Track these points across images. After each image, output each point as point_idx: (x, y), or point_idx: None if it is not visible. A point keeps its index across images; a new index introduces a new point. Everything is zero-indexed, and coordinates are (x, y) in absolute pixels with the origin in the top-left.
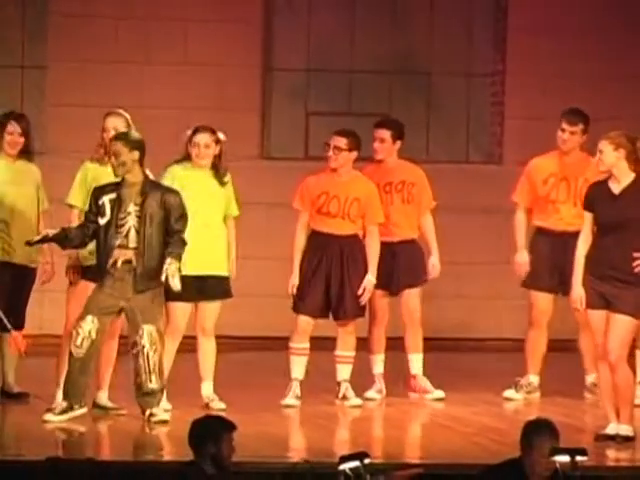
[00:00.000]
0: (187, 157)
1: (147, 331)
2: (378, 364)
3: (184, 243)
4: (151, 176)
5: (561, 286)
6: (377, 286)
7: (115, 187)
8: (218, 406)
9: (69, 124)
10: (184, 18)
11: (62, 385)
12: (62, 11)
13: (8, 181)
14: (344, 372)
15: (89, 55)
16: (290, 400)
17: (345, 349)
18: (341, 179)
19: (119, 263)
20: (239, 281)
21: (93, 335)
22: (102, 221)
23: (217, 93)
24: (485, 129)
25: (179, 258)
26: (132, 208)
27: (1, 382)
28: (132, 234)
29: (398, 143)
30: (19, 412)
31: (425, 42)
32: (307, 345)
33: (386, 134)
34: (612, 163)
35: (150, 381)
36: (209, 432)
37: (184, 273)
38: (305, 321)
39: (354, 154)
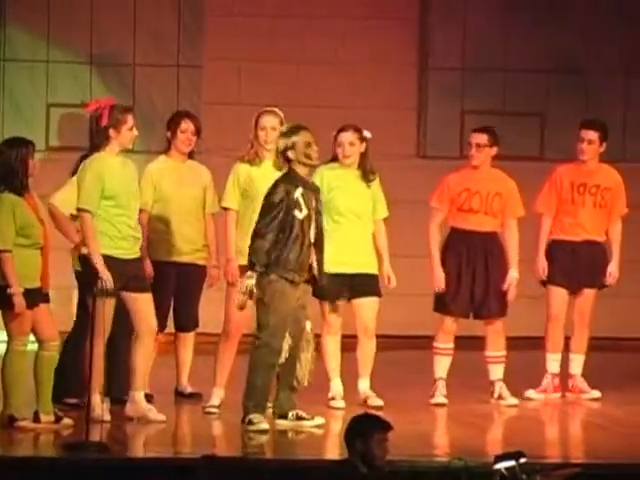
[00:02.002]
0: (335, 158)
1: (309, 326)
2: (553, 363)
3: None
4: None
5: None
6: (557, 284)
7: (298, 182)
8: (376, 403)
9: (224, 123)
10: (340, 16)
11: (220, 384)
12: (218, 10)
13: (175, 181)
14: (497, 372)
15: (244, 54)
16: (439, 399)
17: (495, 349)
18: (482, 175)
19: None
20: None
21: (289, 350)
22: (300, 215)
23: (373, 92)
24: None
25: None
26: (313, 203)
27: (175, 383)
28: (312, 229)
29: (604, 145)
30: (177, 410)
31: (582, 40)
32: (452, 345)
33: (594, 136)
34: None
35: (306, 379)
36: (358, 430)
37: (334, 271)
38: (452, 321)
39: (494, 150)
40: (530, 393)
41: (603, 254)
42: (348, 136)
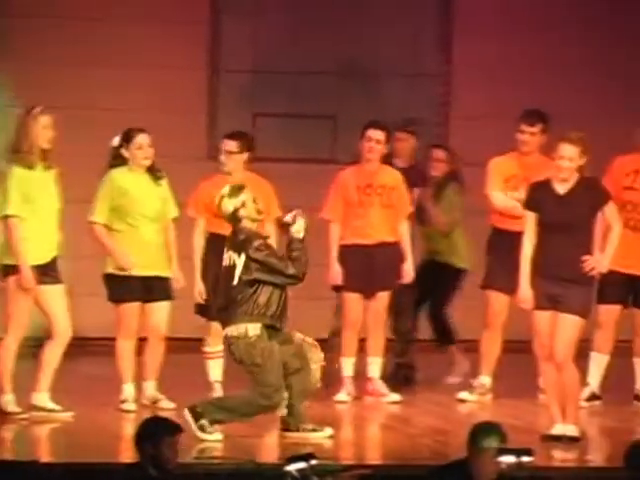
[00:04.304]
0: (123, 162)
1: (299, 335)
2: (348, 367)
3: None
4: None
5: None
6: (352, 289)
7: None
8: (168, 405)
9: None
10: (129, 19)
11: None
12: None
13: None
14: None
15: (30, 55)
16: None
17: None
18: (234, 181)
19: None
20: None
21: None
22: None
23: (163, 95)
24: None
25: None
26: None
27: None
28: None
29: (387, 146)
30: None
31: (371, 44)
32: (222, 347)
33: (382, 135)
34: (574, 168)
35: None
36: (148, 434)
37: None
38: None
39: (245, 155)
40: (340, 396)
41: (396, 254)
42: (145, 138)
